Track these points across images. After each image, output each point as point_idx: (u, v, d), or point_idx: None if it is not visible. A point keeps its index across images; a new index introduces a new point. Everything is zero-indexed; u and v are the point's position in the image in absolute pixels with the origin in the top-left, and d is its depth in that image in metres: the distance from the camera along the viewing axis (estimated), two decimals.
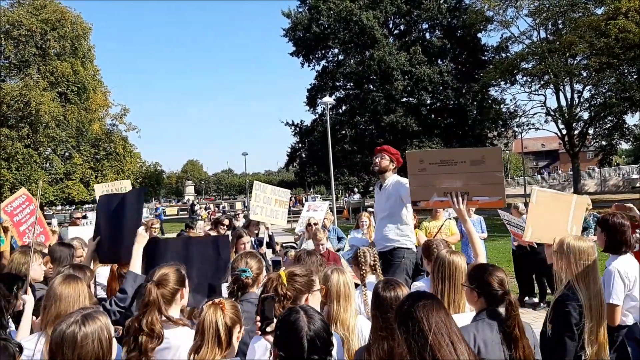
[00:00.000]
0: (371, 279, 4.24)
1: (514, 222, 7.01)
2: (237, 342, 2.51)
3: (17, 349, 2.48)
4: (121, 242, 3.76)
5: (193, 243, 3.95)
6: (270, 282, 2.81)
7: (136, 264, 3.46)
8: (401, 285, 2.77)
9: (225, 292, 3.49)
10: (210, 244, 3.83)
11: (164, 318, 2.76)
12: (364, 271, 4.30)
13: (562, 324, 3.11)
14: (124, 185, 9.40)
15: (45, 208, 36.96)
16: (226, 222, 8.16)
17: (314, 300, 2.91)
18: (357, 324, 3.12)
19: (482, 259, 3.67)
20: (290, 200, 29.63)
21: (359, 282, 4.12)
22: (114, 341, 2.29)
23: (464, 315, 3.02)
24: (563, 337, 3.08)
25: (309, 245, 7.02)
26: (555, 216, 3.92)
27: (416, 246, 5.77)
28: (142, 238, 3.52)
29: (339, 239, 8.92)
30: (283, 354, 2.06)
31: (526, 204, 9.87)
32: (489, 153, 3.91)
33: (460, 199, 3.78)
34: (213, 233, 7.60)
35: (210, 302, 2.44)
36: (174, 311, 2.87)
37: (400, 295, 2.65)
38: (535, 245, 8.02)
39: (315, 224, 7.74)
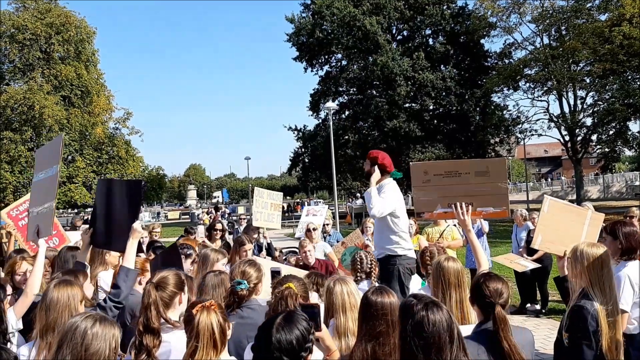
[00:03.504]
0: (364, 284, 4.26)
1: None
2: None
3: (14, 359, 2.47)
4: (113, 229, 3.79)
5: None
6: (282, 296, 2.80)
7: (129, 259, 3.47)
8: (390, 293, 2.73)
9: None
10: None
11: (162, 320, 2.76)
12: (359, 277, 4.32)
13: (579, 332, 3.04)
14: None
15: None
16: (219, 226, 8.11)
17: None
18: None
19: (485, 268, 3.66)
20: (299, 205, 29.59)
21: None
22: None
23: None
24: (581, 345, 3.01)
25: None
26: (567, 229, 3.90)
27: (416, 251, 5.73)
28: (136, 233, 3.54)
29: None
30: (252, 351, 2.12)
31: (529, 210, 9.85)
32: (494, 164, 3.98)
33: (464, 209, 3.80)
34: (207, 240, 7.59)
35: (200, 305, 2.40)
36: (173, 315, 2.86)
37: (388, 302, 2.63)
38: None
39: (314, 229, 7.70)
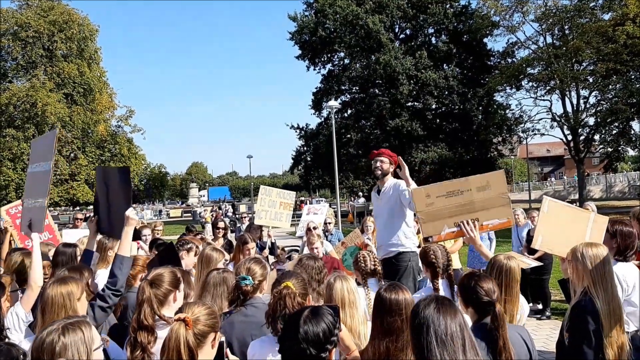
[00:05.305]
0: (371, 282, 4.27)
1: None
2: (213, 349, 2.43)
3: (22, 356, 2.47)
4: (113, 217, 3.85)
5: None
6: (281, 296, 2.78)
7: (124, 247, 3.47)
8: (404, 290, 2.75)
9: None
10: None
11: (157, 317, 2.76)
12: (364, 275, 4.33)
13: (579, 332, 3.03)
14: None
15: (50, 208, 37.12)
16: (221, 224, 8.16)
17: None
18: (367, 331, 3.06)
19: None
20: (304, 203, 29.62)
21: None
22: (101, 352, 2.23)
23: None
24: (581, 345, 3.00)
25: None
26: (570, 230, 3.89)
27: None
28: (131, 221, 3.54)
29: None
30: (278, 342, 2.13)
31: (527, 210, 9.83)
32: (493, 178, 4.04)
33: (472, 226, 3.84)
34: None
35: (177, 317, 2.32)
36: (168, 312, 2.85)
37: (402, 299, 2.64)
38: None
39: (314, 228, 7.71)
